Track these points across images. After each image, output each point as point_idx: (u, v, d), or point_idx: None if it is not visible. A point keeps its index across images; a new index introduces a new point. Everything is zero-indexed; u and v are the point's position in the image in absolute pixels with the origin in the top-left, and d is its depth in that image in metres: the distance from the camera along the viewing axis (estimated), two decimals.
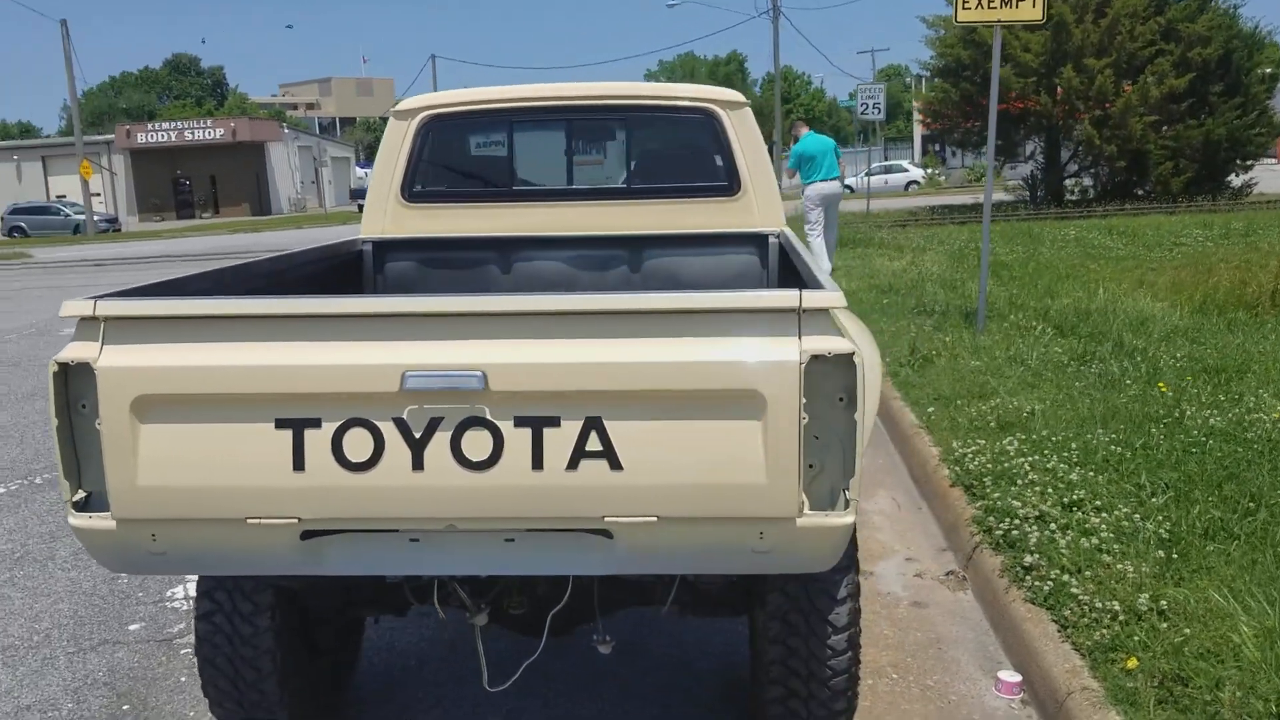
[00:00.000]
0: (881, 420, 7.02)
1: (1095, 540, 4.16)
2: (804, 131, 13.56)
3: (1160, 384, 6.29)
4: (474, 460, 2.32)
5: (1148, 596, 3.69)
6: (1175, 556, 4.01)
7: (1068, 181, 25.83)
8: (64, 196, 50.88)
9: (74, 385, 2.36)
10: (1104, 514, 4.42)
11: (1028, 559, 4.15)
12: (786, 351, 2.27)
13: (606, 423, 2.32)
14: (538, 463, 2.32)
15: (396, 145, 4.25)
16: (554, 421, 2.32)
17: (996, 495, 4.78)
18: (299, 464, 2.34)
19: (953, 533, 4.97)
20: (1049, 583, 3.94)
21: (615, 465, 2.32)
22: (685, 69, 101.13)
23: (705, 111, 4.16)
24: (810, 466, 2.37)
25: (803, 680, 3.02)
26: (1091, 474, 4.87)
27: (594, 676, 3.81)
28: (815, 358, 2.28)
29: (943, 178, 48.68)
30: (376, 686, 3.77)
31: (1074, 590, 3.83)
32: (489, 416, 2.32)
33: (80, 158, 42.77)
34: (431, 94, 4.29)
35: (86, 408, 2.37)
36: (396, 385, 2.29)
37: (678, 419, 2.31)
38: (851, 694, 3.07)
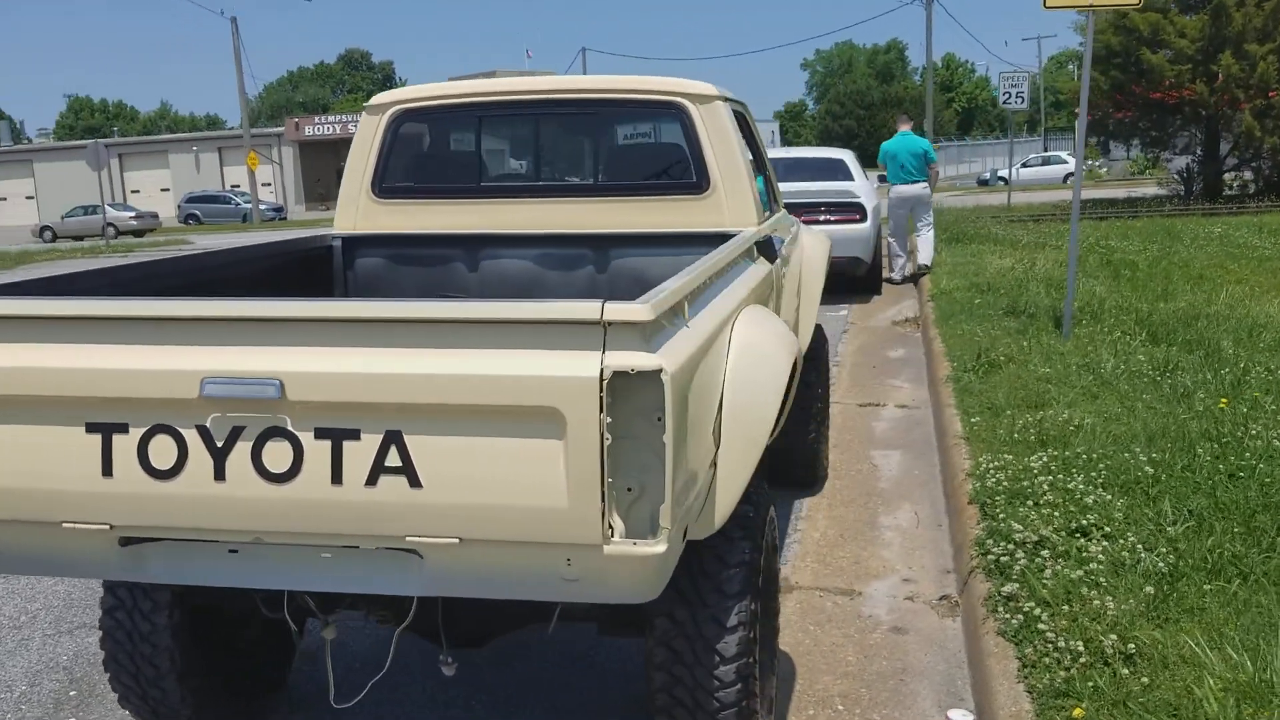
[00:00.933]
0: (932, 428, 6.70)
1: (1084, 571, 3.84)
2: (901, 129, 13.05)
3: (1223, 400, 5.78)
4: (275, 472, 2.26)
5: (1116, 638, 3.37)
6: (1168, 593, 3.66)
7: (1226, 175, 24.24)
8: (237, 186, 53.59)
9: None
10: (1108, 542, 4.08)
11: (1008, 588, 3.86)
12: (587, 367, 2.12)
13: (406, 437, 2.21)
14: (337, 477, 2.24)
15: (368, 140, 4.23)
16: (354, 434, 2.23)
17: (1003, 516, 4.47)
18: (108, 469, 2.32)
19: (960, 553, 4.67)
20: (1020, 615, 3.65)
21: (415, 483, 2.22)
22: (842, 58, 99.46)
23: (673, 105, 4.00)
24: (629, 490, 2.21)
25: (689, 710, 2.86)
26: (1111, 497, 4.50)
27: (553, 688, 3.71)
28: (619, 374, 2.12)
29: (1104, 169, 46.44)
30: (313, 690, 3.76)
31: (1042, 626, 3.53)
32: (289, 427, 2.24)
33: (248, 149, 44.93)
34: (404, 88, 4.24)
35: None
36: (196, 391, 2.24)
37: (479, 436, 2.19)
38: None
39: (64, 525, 2.37)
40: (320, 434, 2.24)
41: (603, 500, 2.16)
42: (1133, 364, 7.00)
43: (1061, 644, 3.41)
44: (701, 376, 2.48)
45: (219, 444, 2.27)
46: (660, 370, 2.13)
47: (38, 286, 2.65)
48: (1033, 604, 3.69)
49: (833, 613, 4.25)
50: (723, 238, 3.99)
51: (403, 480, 2.22)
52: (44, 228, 43.14)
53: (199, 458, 2.28)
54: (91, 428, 2.31)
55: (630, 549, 2.19)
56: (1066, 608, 3.65)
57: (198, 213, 47.91)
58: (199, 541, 2.40)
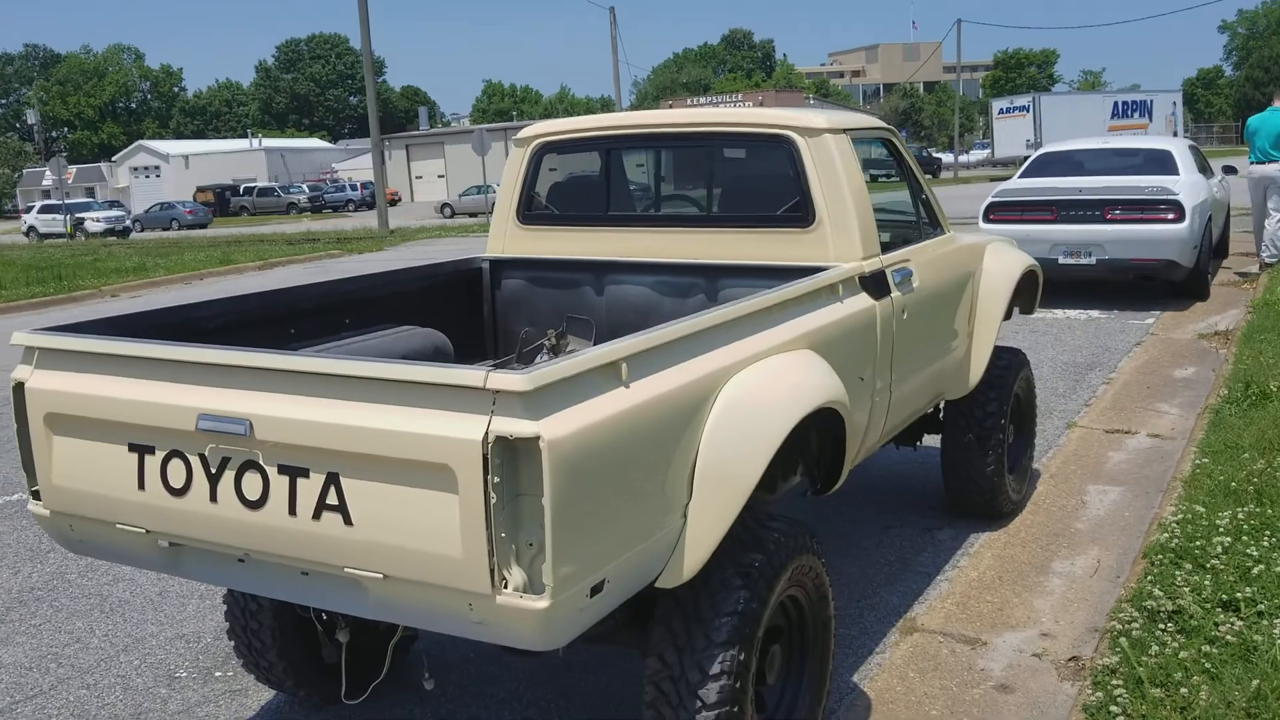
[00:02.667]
0: (1159, 468, 6.10)
1: (1198, 652, 3.47)
2: (1275, 104, 11.77)
3: None
4: (250, 499, 2.61)
5: None
6: (1277, 691, 3.25)
7: None
8: None
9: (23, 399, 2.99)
10: (1250, 621, 3.64)
11: (1109, 660, 3.57)
12: (473, 429, 2.29)
13: (342, 480, 2.49)
14: (293, 509, 2.56)
15: (515, 170, 4.55)
16: (305, 473, 2.54)
17: (1153, 576, 4.09)
18: (141, 484, 2.78)
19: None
20: (1102, 693, 3.38)
21: (348, 521, 2.49)
22: (1271, 17, 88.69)
23: (781, 139, 3.97)
24: (530, 545, 2.36)
25: None
26: None
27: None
28: (500, 439, 2.28)
29: None
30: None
31: (1115, 709, 3.26)
32: (260, 462, 2.59)
33: None
34: (546, 122, 4.51)
35: None
36: (193, 425, 2.64)
37: (396, 484, 2.42)
38: None
39: (117, 526, 2.87)
40: (282, 470, 2.56)
41: (490, 554, 2.32)
42: None
43: None
44: (639, 435, 2.56)
45: (213, 470, 2.66)
46: (538, 437, 2.26)
47: (104, 326, 3.17)
48: (1119, 682, 3.40)
49: (944, 661, 4.09)
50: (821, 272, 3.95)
51: (339, 517, 2.50)
52: (444, 204, 47.85)
53: (200, 481, 2.68)
54: (131, 447, 2.78)
55: (516, 601, 2.35)
56: (1158, 691, 3.33)
57: None
58: (214, 550, 2.81)
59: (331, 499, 2.51)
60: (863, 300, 3.83)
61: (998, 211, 11.26)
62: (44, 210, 45.39)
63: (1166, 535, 4.45)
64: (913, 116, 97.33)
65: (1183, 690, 3.28)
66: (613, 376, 2.54)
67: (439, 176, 66.14)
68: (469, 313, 4.60)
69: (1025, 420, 5.63)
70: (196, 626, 4.58)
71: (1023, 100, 48.34)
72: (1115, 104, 47.63)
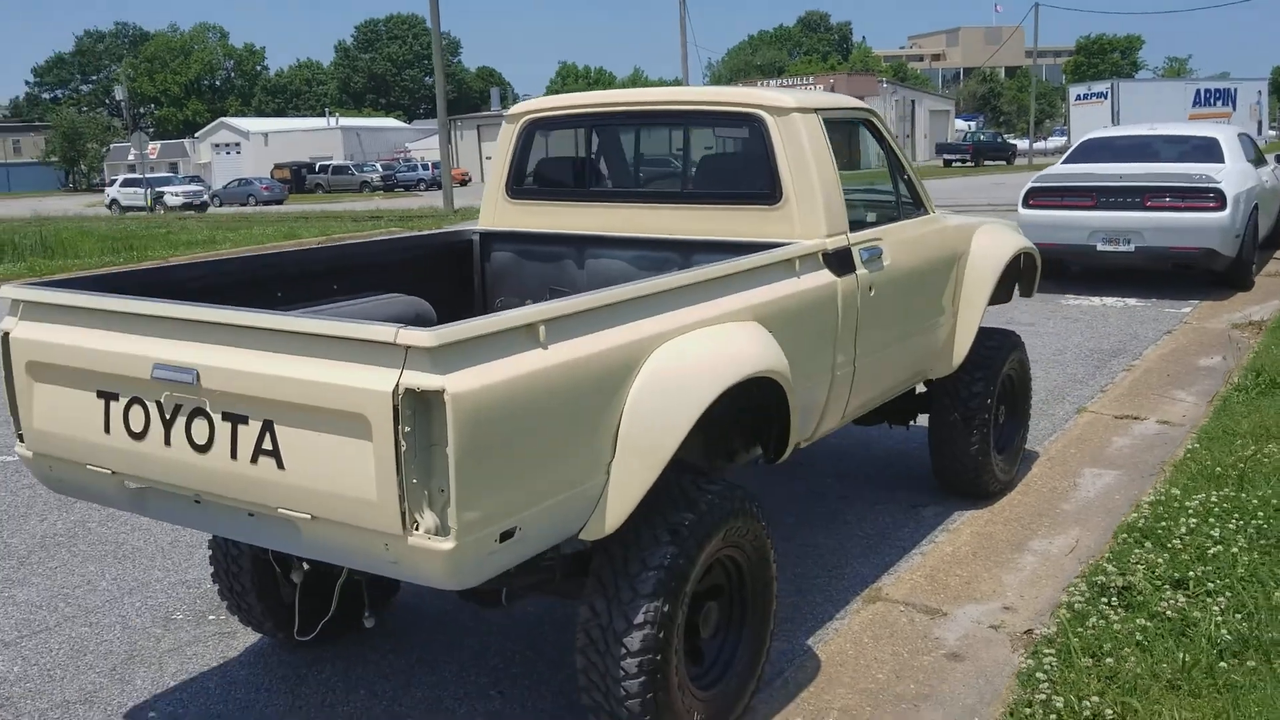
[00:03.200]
0: (1160, 453, 6.10)
1: (1135, 625, 3.54)
2: None
3: None
4: (198, 444, 2.82)
5: (1099, 700, 3.14)
6: (1209, 665, 3.31)
7: None
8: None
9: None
10: (1197, 598, 3.70)
11: (1049, 630, 3.65)
12: (385, 382, 2.47)
13: (276, 427, 2.69)
14: (234, 454, 2.76)
15: (505, 146, 4.72)
16: (244, 420, 2.74)
17: (1112, 554, 4.15)
18: (106, 427, 3.00)
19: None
20: (1034, 661, 3.47)
21: (280, 465, 2.69)
22: None
23: (751, 118, 4.09)
24: (441, 491, 2.54)
25: (601, 695, 3.13)
26: (1243, 551, 4.03)
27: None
28: (410, 391, 2.46)
29: None
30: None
31: (1041, 676, 3.36)
32: (207, 409, 2.80)
33: None
34: (536, 99, 4.67)
35: None
36: (149, 374, 2.85)
37: (321, 432, 2.62)
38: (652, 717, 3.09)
39: (88, 467, 3.10)
40: (225, 417, 2.77)
41: (401, 498, 2.50)
42: None
43: (1043, 698, 3.23)
44: (555, 393, 2.71)
45: (166, 416, 2.87)
46: (443, 390, 2.43)
47: (91, 283, 3.41)
48: (1052, 652, 3.49)
49: (901, 629, 4.20)
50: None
51: (273, 462, 2.70)
52: None
53: (155, 426, 2.90)
54: (99, 394, 3.01)
55: (425, 542, 2.53)
56: (1087, 661, 3.42)
57: None
58: (172, 492, 3.04)
59: (267, 445, 2.70)
60: (823, 277, 3.93)
61: (1037, 197, 11.18)
62: (126, 184, 46.78)
63: (1136, 516, 4.49)
64: (991, 102, 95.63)
65: (1108, 660, 3.35)
66: (530, 338, 2.69)
67: None
68: (460, 283, 4.79)
69: (1018, 401, 5.67)
70: (199, 573, 4.84)
71: (1101, 87, 47.27)
72: (1197, 92, 46.39)
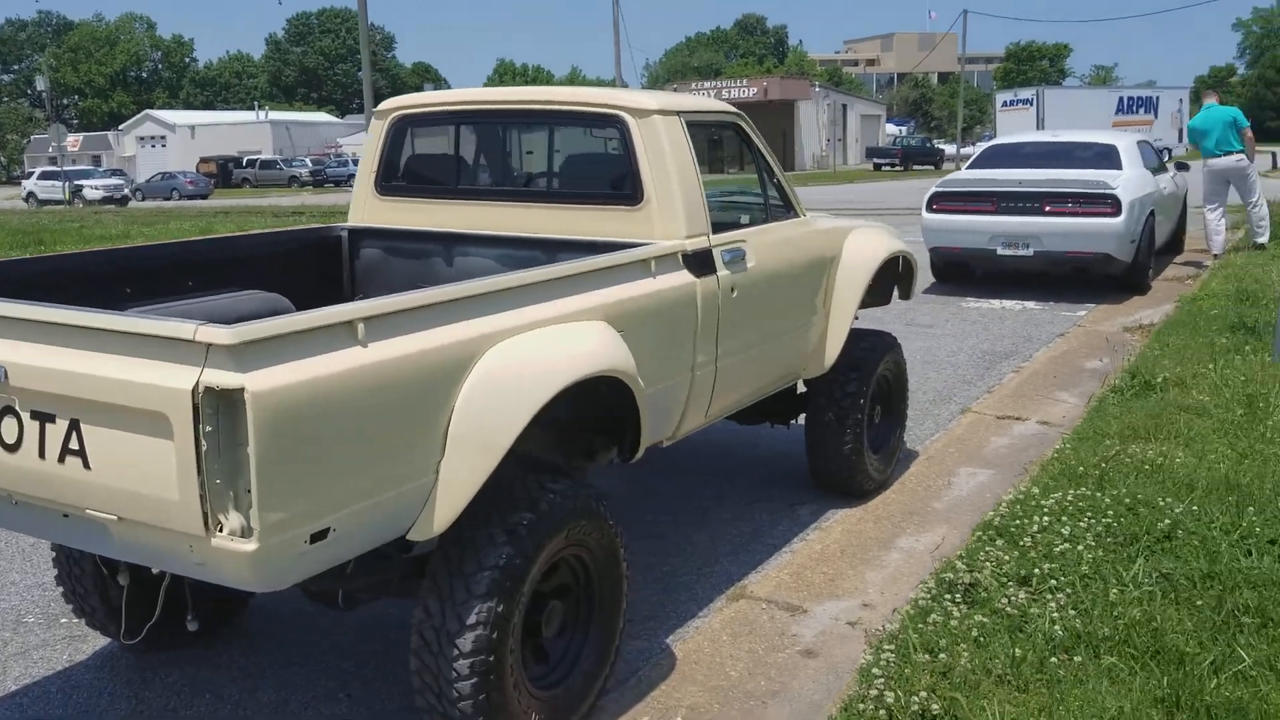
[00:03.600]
0: (1034, 453, 6.22)
1: (974, 622, 3.61)
2: (1206, 102, 12.50)
3: None
4: (9, 442, 2.76)
5: (926, 694, 3.19)
6: (1039, 660, 3.38)
7: None
8: None
9: None
10: (1038, 595, 3.78)
11: (892, 627, 3.71)
12: (185, 380, 2.43)
13: (82, 425, 2.63)
14: (42, 453, 2.70)
15: (375, 141, 4.68)
16: (51, 419, 2.68)
17: (964, 552, 4.23)
18: None
19: None
20: (873, 656, 3.52)
21: (87, 464, 2.63)
22: None
23: (613, 119, 4.10)
24: (248, 491, 2.50)
25: (435, 695, 3.11)
26: (1088, 549, 4.12)
27: None
28: (210, 390, 2.42)
29: None
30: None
31: (877, 671, 3.41)
32: (17, 407, 2.73)
33: None
34: (406, 96, 4.64)
35: None
36: None
37: (124, 431, 2.56)
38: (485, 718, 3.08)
39: None
40: (34, 415, 2.71)
41: (203, 498, 2.46)
42: None
43: (875, 694, 3.28)
44: (375, 393, 2.69)
45: None
46: (243, 389, 2.40)
47: None
48: (891, 648, 3.54)
49: (760, 626, 4.24)
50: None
51: (80, 461, 2.64)
52: None
53: None
54: None
55: (228, 544, 2.49)
56: (924, 657, 3.47)
57: None
58: None
59: (74, 444, 2.64)
60: (682, 277, 3.95)
61: (940, 202, 11.36)
62: (44, 176, 45.66)
63: (994, 514, 4.58)
64: (923, 107, 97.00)
65: (943, 656, 3.41)
66: (348, 336, 2.67)
67: None
68: (328, 280, 4.74)
69: (894, 402, 5.75)
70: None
71: (1026, 93, 48.22)
72: (1120, 99, 47.55)
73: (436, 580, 3.10)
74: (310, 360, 2.56)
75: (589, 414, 3.73)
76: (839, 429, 5.24)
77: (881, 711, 3.20)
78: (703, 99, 4.75)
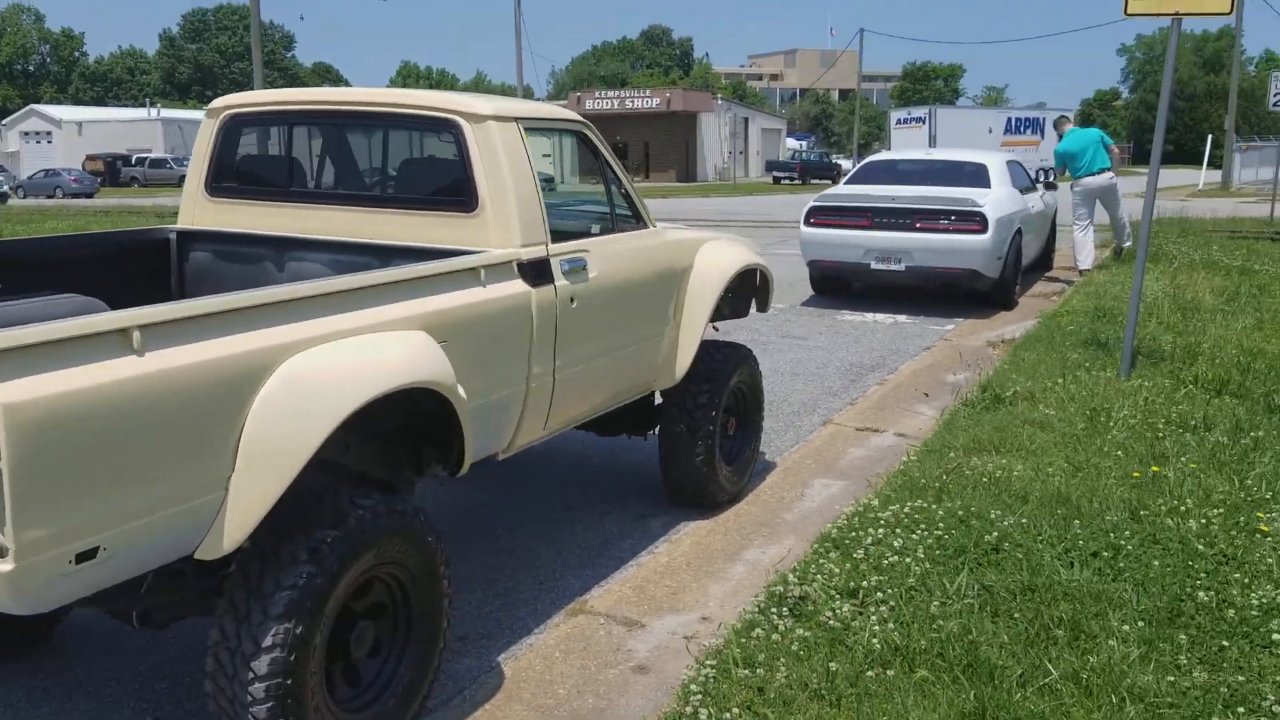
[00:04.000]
0: (888, 464, 6.31)
1: (797, 635, 3.61)
2: (1067, 129, 13.12)
3: (1154, 466, 5.13)
4: None
5: (738, 710, 3.18)
6: (855, 674, 3.40)
7: None
8: None
9: None
10: (863, 608, 3.80)
11: (716, 643, 3.70)
12: None
13: None
14: None
15: (205, 141, 4.53)
16: None
17: (798, 565, 4.24)
18: None
19: None
20: (695, 672, 3.50)
21: None
22: (1166, 44, 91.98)
23: (448, 123, 4.03)
24: (2, 509, 2.36)
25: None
26: (915, 562, 4.17)
27: None
28: None
29: None
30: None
31: (695, 688, 3.39)
32: None
33: None
34: (239, 94, 4.51)
35: None
36: None
37: None
38: None
39: None
40: None
41: None
42: (1159, 413, 6.31)
43: (690, 710, 3.26)
44: (153, 404, 2.57)
45: None
46: None
47: None
48: (713, 663, 3.53)
49: (596, 642, 4.19)
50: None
51: None
52: None
53: None
54: None
55: None
56: (744, 671, 3.46)
57: None
58: None
59: None
60: (516, 286, 3.89)
61: (818, 216, 11.52)
62: None
63: (831, 526, 4.61)
64: (823, 122, 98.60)
65: (761, 671, 3.41)
66: (121, 344, 2.55)
67: None
68: (155, 284, 4.57)
69: (749, 413, 5.77)
70: None
71: (919, 112, 49.34)
72: (1009, 120, 48.92)
73: (233, 600, 2.98)
74: (75, 370, 2.43)
75: (416, 426, 3.64)
76: (691, 440, 5.23)
77: None
78: (544, 105, 4.70)
